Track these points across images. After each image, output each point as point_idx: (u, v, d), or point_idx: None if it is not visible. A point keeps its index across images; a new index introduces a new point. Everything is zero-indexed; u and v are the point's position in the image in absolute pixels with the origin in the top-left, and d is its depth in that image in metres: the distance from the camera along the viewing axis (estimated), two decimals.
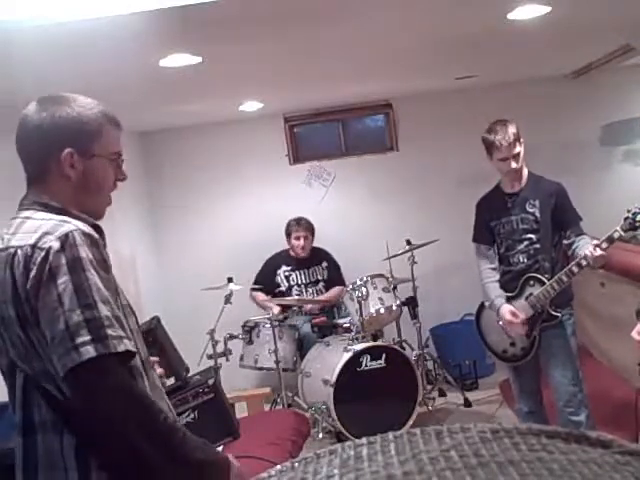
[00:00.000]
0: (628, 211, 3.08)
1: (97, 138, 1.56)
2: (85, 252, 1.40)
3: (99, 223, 1.59)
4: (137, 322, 1.61)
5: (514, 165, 3.36)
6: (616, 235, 3.08)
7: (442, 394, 5.17)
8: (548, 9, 3.14)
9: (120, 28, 2.56)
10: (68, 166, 1.53)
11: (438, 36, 3.59)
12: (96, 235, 1.47)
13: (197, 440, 1.49)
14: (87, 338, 1.34)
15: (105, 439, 1.38)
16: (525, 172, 3.47)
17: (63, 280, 1.36)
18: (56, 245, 1.39)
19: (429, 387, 5.14)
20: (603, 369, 4.63)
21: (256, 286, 5.26)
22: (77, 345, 1.33)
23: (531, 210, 3.40)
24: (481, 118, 3.69)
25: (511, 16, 3.23)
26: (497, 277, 3.52)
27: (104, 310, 1.37)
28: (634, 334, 2.68)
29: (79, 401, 1.37)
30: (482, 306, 3.69)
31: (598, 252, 3.07)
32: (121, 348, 1.37)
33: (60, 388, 1.40)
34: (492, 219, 3.51)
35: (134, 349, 1.41)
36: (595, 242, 3.12)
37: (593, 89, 5.62)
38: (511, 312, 3.40)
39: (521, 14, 3.20)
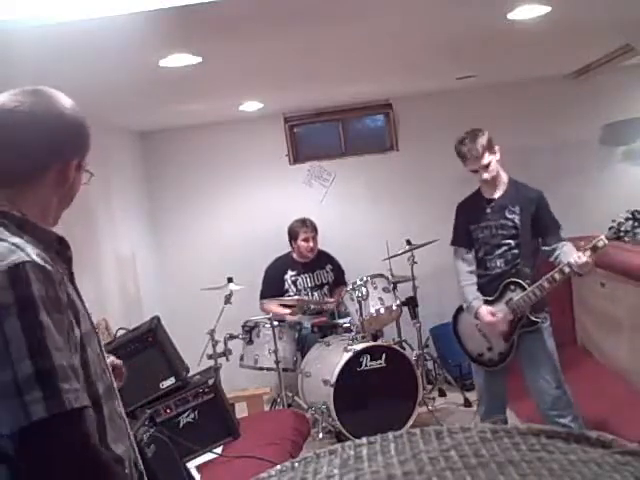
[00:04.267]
0: (613, 221, 3.10)
1: (88, 148, 1.45)
2: (38, 289, 1.22)
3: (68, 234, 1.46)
4: (100, 344, 1.46)
5: (485, 176, 3.39)
6: (600, 244, 3.09)
7: (442, 394, 5.17)
8: (548, 9, 3.14)
9: (120, 28, 2.56)
10: (67, 176, 1.39)
11: (438, 36, 3.59)
12: (49, 267, 1.27)
13: None
14: (38, 395, 1.18)
15: None
16: (505, 178, 3.48)
17: (11, 323, 1.19)
18: (4, 279, 1.21)
19: (429, 387, 5.15)
20: (602, 369, 4.63)
21: (266, 300, 5.15)
22: (26, 403, 1.17)
23: (510, 216, 3.41)
24: (481, 118, 3.70)
25: (511, 16, 3.23)
26: (475, 280, 3.54)
27: (58, 359, 1.21)
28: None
29: (26, 461, 1.22)
30: (460, 309, 3.70)
31: (583, 259, 3.09)
32: (77, 404, 1.21)
33: None
34: (471, 223, 3.53)
35: (89, 403, 1.27)
36: (580, 252, 3.12)
37: (593, 89, 5.61)
38: (490, 312, 3.43)
39: (521, 14, 3.20)
